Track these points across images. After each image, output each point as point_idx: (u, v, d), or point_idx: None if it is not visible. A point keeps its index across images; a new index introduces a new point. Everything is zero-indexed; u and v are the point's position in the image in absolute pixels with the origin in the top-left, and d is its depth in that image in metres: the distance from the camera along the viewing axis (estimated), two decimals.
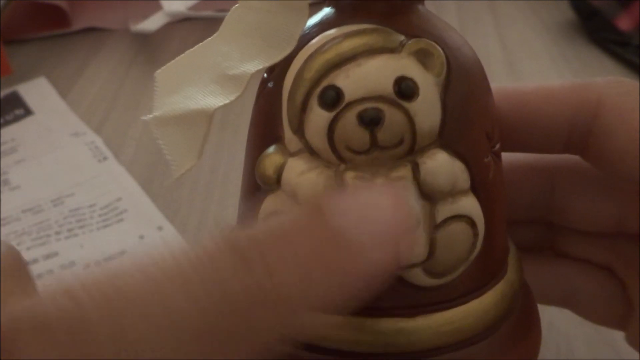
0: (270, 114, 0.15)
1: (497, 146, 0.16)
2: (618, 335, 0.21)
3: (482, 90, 0.16)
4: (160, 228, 0.33)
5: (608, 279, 0.20)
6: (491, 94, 0.16)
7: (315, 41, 0.15)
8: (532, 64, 0.49)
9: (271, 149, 0.15)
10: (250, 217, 0.16)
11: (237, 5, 0.15)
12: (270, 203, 0.15)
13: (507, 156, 0.17)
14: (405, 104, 0.14)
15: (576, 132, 0.17)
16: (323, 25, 0.15)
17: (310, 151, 0.14)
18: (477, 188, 0.15)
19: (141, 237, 0.32)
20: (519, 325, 0.17)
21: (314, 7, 0.15)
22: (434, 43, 0.14)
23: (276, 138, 0.15)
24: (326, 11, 0.16)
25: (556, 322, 0.27)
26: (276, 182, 0.15)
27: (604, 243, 0.20)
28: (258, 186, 0.15)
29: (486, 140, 0.16)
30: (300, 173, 0.14)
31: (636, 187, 0.17)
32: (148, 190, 0.35)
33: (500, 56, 0.50)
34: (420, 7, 0.16)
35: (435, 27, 0.15)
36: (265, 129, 0.16)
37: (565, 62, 0.49)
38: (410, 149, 0.14)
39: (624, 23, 0.49)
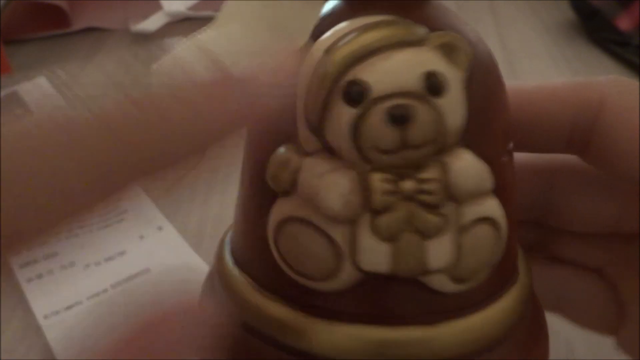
0: (279, 111, 0.14)
1: (511, 145, 0.16)
2: None
3: (500, 87, 0.15)
4: (160, 228, 0.33)
5: (600, 283, 0.20)
6: (505, 91, 0.16)
7: (331, 33, 0.14)
8: (532, 64, 0.49)
9: (282, 149, 0.14)
10: (260, 225, 0.15)
11: None
12: (283, 207, 0.14)
13: None
14: (435, 101, 0.13)
15: (578, 131, 0.17)
16: (334, 17, 0.14)
17: (330, 151, 0.13)
18: (496, 189, 0.14)
19: (141, 237, 0.32)
20: (532, 329, 0.16)
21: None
22: (459, 37, 0.14)
23: (288, 137, 0.14)
24: (334, 2, 0.15)
25: (556, 322, 0.27)
26: (291, 184, 0.14)
27: (597, 245, 0.20)
28: (264, 190, 0.14)
29: (504, 138, 0.15)
30: (320, 175, 0.13)
31: (635, 187, 0.17)
32: (148, 190, 0.35)
33: (500, 56, 0.50)
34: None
35: (452, 21, 0.15)
36: (273, 127, 0.15)
37: (566, 62, 0.49)
38: (438, 149, 0.13)
39: (624, 23, 0.49)
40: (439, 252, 0.13)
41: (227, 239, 0.17)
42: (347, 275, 0.14)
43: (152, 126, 0.10)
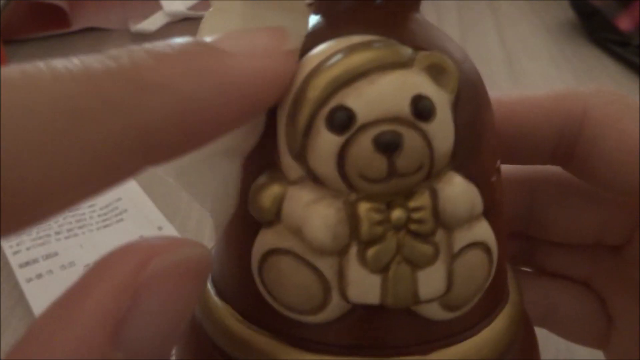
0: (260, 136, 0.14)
1: (499, 163, 0.15)
2: None
3: (487, 106, 0.15)
4: (160, 228, 0.33)
5: (586, 295, 0.20)
6: (492, 108, 0.15)
7: (314, 54, 0.13)
8: (532, 64, 0.49)
9: (264, 177, 0.13)
10: (243, 255, 0.14)
11: (210, 10, 0.14)
12: (267, 238, 0.13)
13: None
14: (423, 126, 0.12)
15: (563, 142, 0.17)
16: (315, 37, 0.13)
17: (314, 179, 0.13)
18: (486, 210, 0.14)
19: (141, 237, 0.32)
20: (525, 347, 0.16)
21: None
22: (446, 57, 0.13)
23: (269, 164, 0.13)
24: (314, 20, 0.14)
25: None
26: (275, 214, 0.13)
27: (582, 256, 0.20)
28: (247, 218, 0.14)
29: (493, 157, 0.15)
30: (306, 205, 0.13)
31: (620, 197, 0.17)
32: (148, 190, 0.35)
33: (500, 56, 0.50)
34: (417, 15, 0.14)
35: (439, 39, 0.14)
36: (254, 153, 0.14)
37: (566, 62, 0.49)
38: (427, 175, 0.13)
39: (624, 23, 0.49)
40: (430, 282, 0.13)
41: None
42: (335, 308, 0.13)
43: (131, 81, 0.10)
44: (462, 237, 0.13)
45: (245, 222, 0.14)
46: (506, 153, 0.17)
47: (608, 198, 0.18)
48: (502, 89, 0.44)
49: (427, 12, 0.15)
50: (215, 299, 0.15)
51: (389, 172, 0.12)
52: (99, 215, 0.33)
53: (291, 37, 0.12)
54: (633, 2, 0.49)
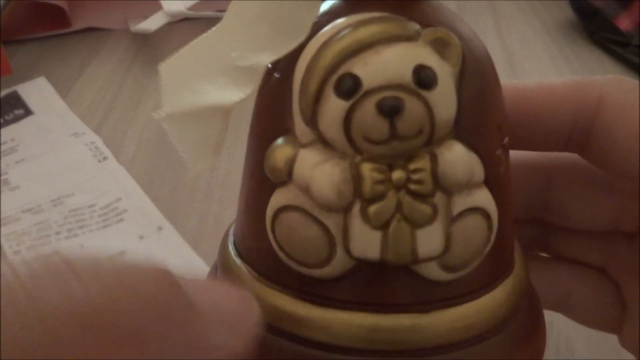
0: (278, 105, 0.15)
1: (506, 140, 0.16)
2: None
3: (493, 83, 0.16)
4: (160, 228, 0.33)
5: (602, 281, 0.20)
6: (500, 86, 0.16)
7: (328, 29, 0.14)
8: (532, 64, 0.49)
9: (280, 140, 0.15)
10: (259, 215, 0.15)
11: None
12: (280, 197, 0.15)
13: None
14: (425, 94, 0.13)
15: (578, 129, 0.17)
16: (332, 14, 0.15)
17: (324, 142, 0.14)
18: (489, 181, 0.15)
19: (141, 237, 0.32)
20: (526, 323, 0.17)
21: None
22: (450, 33, 0.14)
23: (285, 130, 0.15)
24: (330, 2, 0.15)
25: (556, 322, 0.27)
26: (287, 174, 0.14)
27: (598, 243, 0.20)
28: (264, 180, 0.15)
29: (498, 132, 0.15)
30: (314, 165, 0.14)
31: (634, 185, 0.17)
32: (148, 190, 0.35)
33: (500, 56, 0.50)
34: None
35: (447, 18, 0.15)
36: (273, 120, 0.15)
37: (566, 62, 0.49)
38: (428, 140, 0.14)
39: (624, 23, 0.49)
40: (428, 241, 0.14)
41: (231, 230, 0.18)
42: (340, 262, 0.14)
43: (100, 309, 0.10)
44: (461, 202, 0.14)
45: (262, 184, 0.15)
46: (522, 139, 0.18)
47: (623, 185, 0.18)
48: None
49: None
50: (235, 259, 0.17)
51: (390, 134, 0.13)
52: (99, 215, 0.33)
53: (255, 312, 0.13)
54: (633, 2, 0.49)
